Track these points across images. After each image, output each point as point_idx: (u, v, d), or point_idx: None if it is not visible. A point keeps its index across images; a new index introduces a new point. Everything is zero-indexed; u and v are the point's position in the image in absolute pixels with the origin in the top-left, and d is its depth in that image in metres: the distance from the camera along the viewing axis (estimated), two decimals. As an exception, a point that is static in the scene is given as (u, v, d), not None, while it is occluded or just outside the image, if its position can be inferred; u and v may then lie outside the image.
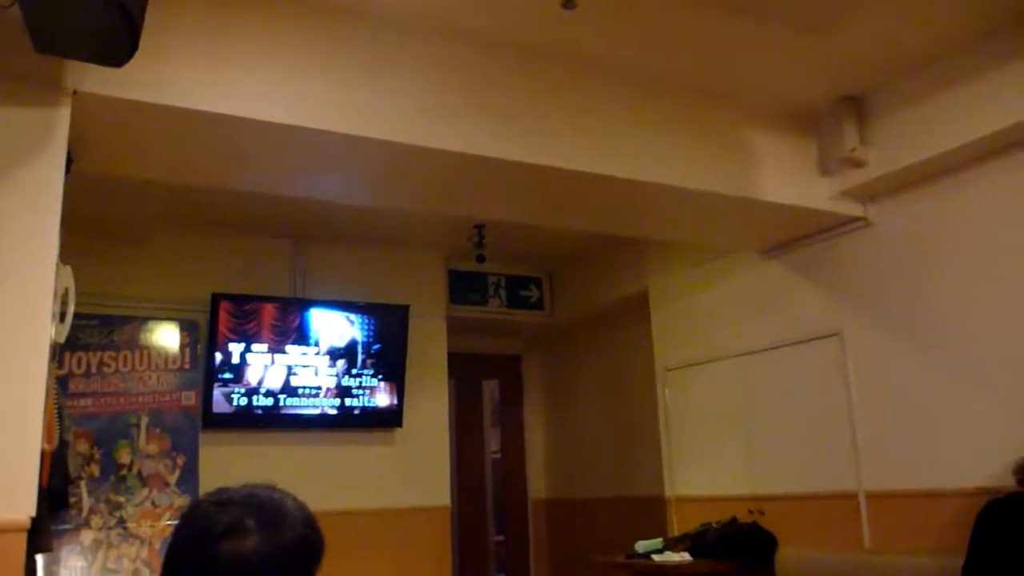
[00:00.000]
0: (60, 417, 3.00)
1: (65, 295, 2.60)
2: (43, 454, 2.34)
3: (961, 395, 3.56)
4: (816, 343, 4.27)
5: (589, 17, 3.01)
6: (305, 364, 5.14)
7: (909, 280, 3.83)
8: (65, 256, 2.53)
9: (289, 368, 5.09)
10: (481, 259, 5.45)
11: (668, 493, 5.18)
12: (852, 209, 4.00)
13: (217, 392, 4.86)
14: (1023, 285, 3.37)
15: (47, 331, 2.39)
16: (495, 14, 3.09)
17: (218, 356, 4.88)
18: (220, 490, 1.24)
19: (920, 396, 3.73)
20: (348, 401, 5.26)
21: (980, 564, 2.91)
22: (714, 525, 4.49)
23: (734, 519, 4.48)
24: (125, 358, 4.69)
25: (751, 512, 4.46)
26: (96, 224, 4.39)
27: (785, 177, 3.87)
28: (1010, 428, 3.15)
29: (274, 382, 5.04)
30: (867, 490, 3.94)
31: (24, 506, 2.21)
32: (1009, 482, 2.96)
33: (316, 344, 5.19)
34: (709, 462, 4.95)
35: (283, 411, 5.05)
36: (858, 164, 3.81)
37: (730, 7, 3.08)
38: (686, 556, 4.32)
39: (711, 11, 3.10)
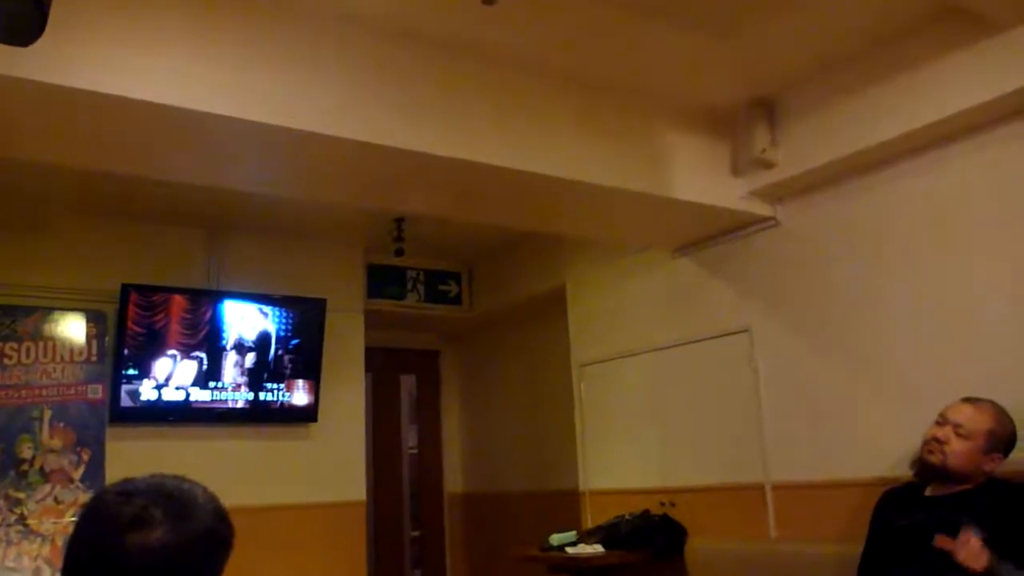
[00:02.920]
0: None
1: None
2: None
3: (860, 390, 3.71)
4: (727, 339, 4.38)
5: (509, 13, 3.02)
6: (217, 358, 5.04)
7: (814, 279, 3.97)
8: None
9: (200, 361, 4.98)
10: (400, 253, 5.42)
11: (583, 487, 5.25)
12: (762, 209, 4.12)
13: (124, 385, 4.72)
14: (922, 285, 3.52)
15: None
16: (416, 7, 3.08)
17: (126, 349, 4.74)
18: (125, 480, 1.22)
19: (823, 391, 3.87)
20: (262, 395, 5.17)
21: (877, 550, 3.04)
22: (627, 517, 4.57)
23: (646, 511, 4.57)
24: (28, 349, 4.52)
25: (663, 504, 4.56)
26: (-2, 211, 4.22)
27: (698, 176, 3.96)
28: (906, 422, 3.29)
29: (185, 376, 4.92)
30: (773, 481, 4.07)
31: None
32: (905, 473, 3.09)
33: (229, 338, 5.09)
34: (623, 456, 5.04)
35: (194, 405, 4.94)
36: (768, 165, 3.92)
37: (646, 9, 3.14)
38: (598, 548, 4.39)
39: (627, 12, 3.15)
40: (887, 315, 3.64)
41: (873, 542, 3.09)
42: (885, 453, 3.48)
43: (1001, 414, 2.88)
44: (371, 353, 5.86)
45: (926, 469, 2.93)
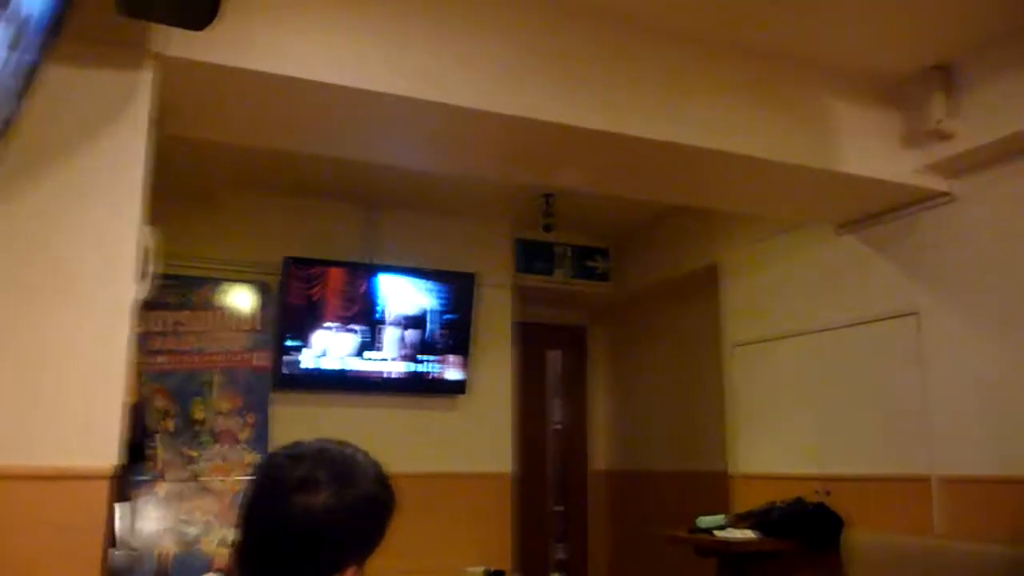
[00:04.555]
0: (139, 373, 3.09)
1: (147, 255, 2.67)
2: (125, 408, 2.42)
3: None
4: (892, 322, 4.15)
5: (667, -18, 2.94)
6: (375, 330, 5.21)
7: (993, 259, 3.69)
8: (148, 218, 2.59)
9: (358, 332, 5.16)
10: (548, 228, 5.43)
11: (731, 470, 5.13)
12: (936, 183, 3.86)
13: (286, 354, 4.96)
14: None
15: (131, 289, 2.46)
16: (571, -23, 3.05)
17: (287, 319, 4.97)
18: (295, 443, 1.26)
19: (1000, 380, 3.61)
20: (416, 367, 5.32)
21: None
22: (779, 504, 4.42)
23: (800, 498, 4.41)
24: (200, 318, 4.82)
25: (817, 492, 4.39)
26: (176, 187, 4.48)
27: (866, 149, 3.75)
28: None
29: (342, 346, 5.12)
30: (939, 475, 3.84)
31: (108, 456, 2.30)
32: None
33: (386, 310, 5.25)
34: (775, 440, 4.88)
35: (351, 374, 5.13)
36: (944, 137, 3.67)
37: (816, -28, 2.99)
38: (749, 533, 4.27)
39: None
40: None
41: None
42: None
43: None
44: (518, 328, 5.90)
45: None
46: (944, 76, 3.68)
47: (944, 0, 3.17)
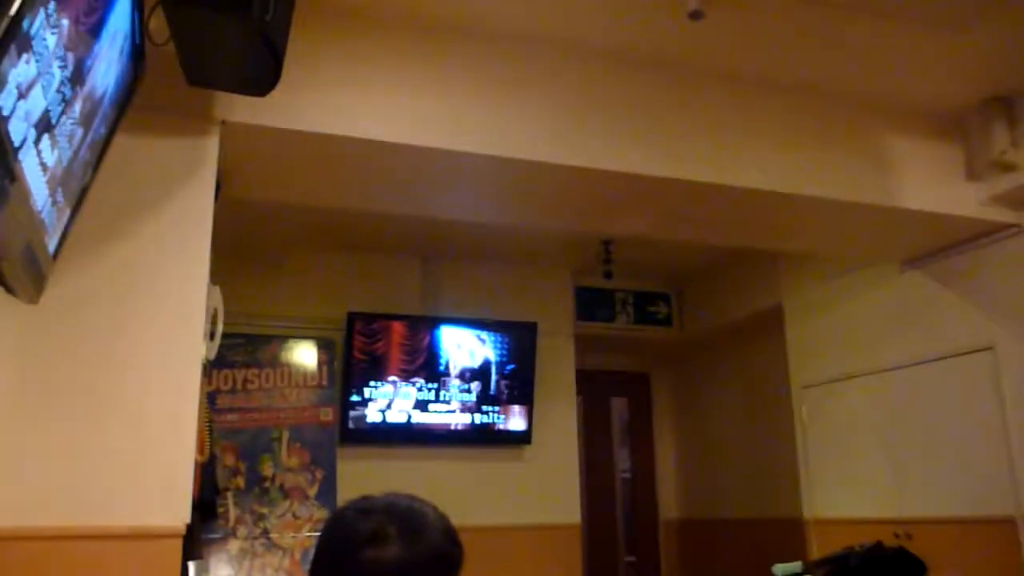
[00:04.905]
0: (210, 431, 3.15)
1: (215, 314, 2.74)
2: (195, 466, 2.47)
3: None
4: (966, 358, 4.04)
5: (718, 27, 2.96)
6: (438, 382, 5.24)
7: (1070, 290, 3.58)
8: (214, 278, 2.67)
9: (422, 386, 5.19)
10: (608, 275, 5.41)
11: (807, 515, 4.99)
12: (1003, 215, 3.78)
13: (352, 409, 5.01)
14: None
15: (200, 348, 2.52)
16: (620, 27, 3.08)
17: (352, 373, 5.03)
18: (363, 498, 1.27)
19: (1085, 414, 3.47)
20: (480, 418, 5.32)
21: None
22: (857, 549, 4.28)
23: (879, 543, 4.26)
24: (267, 375, 4.90)
25: (897, 536, 4.24)
26: (240, 247, 4.61)
27: (929, 184, 3.69)
28: None
29: (407, 399, 5.15)
30: (1026, 515, 3.69)
31: (180, 514, 2.34)
32: None
33: (449, 362, 5.28)
34: (851, 483, 4.74)
35: (416, 427, 5.16)
36: (1009, 168, 3.60)
37: (866, 8, 2.97)
38: (827, 581, 4.14)
39: (843, 13, 2.99)
40: None
41: None
42: None
43: None
44: (581, 376, 5.87)
45: None
46: (1005, 107, 3.61)
47: (1001, 31, 3.11)
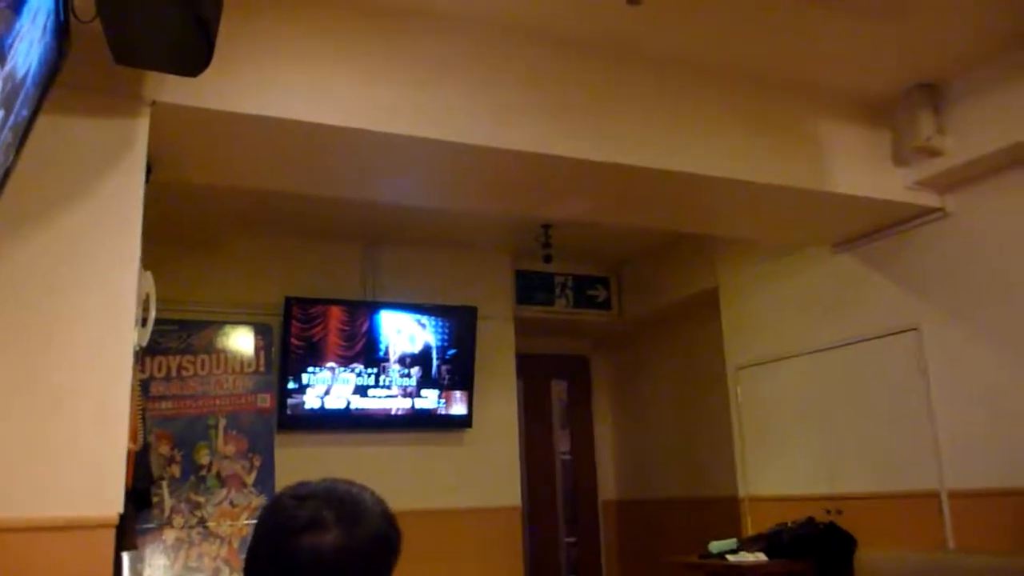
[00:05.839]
0: (143, 419, 3.09)
1: (146, 301, 2.69)
2: (128, 455, 2.42)
3: (1049, 390, 3.44)
4: (893, 338, 4.16)
5: (655, 12, 2.99)
6: (378, 367, 5.21)
7: (991, 272, 3.70)
8: (146, 263, 2.61)
9: (361, 372, 5.16)
10: (548, 259, 5.44)
11: (742, 493, 5.10)
12: (929, 200, 3.89)
13: (291, 394, 4.95)
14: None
15: (131, 335, 2.47)
16: (560, 11, 3.09)
17: (290, 359, 4.98)
18: (300, 484, 1.26)
19: (1003, 392, 3.61)
20: (420, 403, 5.31)
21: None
22: (790, 525, 4.40)
23: (811, 519, 4.39)
24: (203, 362, 4.81)
25: (828, 512, 4.37)
26: (173, 231, 4.51)
27: (858, 169, 3.78)
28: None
29: (345, 385, 5.11)
30: (949, 488, 3.83)
31: (113, 504, 2.29)
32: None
33: (389, 348, 5.25)
34: (784, 461, 4.86)
35: (355, 413, 5.13)
36: (934, 153, 3.71)
37: (798, -4, 3.03)
38: (761, 556, 4.24)
39: (775, 2, 3.05)
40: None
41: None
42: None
43: None
44: (522, 359, 5.91)
45: None
46: (931, 94, 3.72)
47: (927, 20, 3.20)
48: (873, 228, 4.23)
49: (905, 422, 4.05)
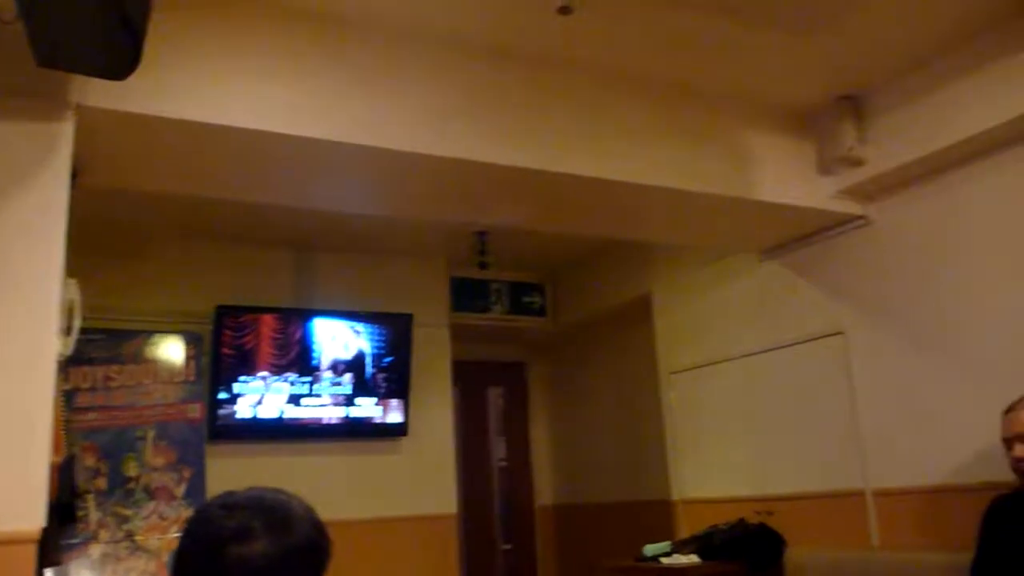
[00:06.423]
0: (66, 431, 3.01)
1: (71, 309, 2.62)
2: (51, 467, 2.35)
3: (963, 392, 3.56)
4: (819, 342, 4.27)
5: (586, 22, 3.03)
6: (310, 375, 5.15)
7: (911, 278, 3.83)
8: (70, 270, 2.54)
9: (294, 380, 5.10)
10: (483, 266, 5.45)
11: (675, 496, 5.18)
12: (851, 208, 4.01)
13: (221, 404, 4.87)
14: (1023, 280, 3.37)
15: (54, 345, 2.40)
16: (492, 20, 3.11)
17: (221, 368, 4.89)
18: (227, 493, 1.25)
19: (923, 394, 3.73)
20: (354, 412, 5.27)
21: (987, 560, 2.91)
22: (721, 527, 4.48)
23: (742, 520, 4.48)
24: (131, 372, 4.70)
25: (759, 513, 4.46)
26: (100, 238, 4.40)
27: (784, 177, 3.88)
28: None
29: (278, 394, 5.05)
30: (874, 488, 3.94)
31: (35, 518, 2.22)
32: (1013, 477, 2.95)
33: (323, 356, 5.20)
34: (715, 464, 4.95)
35: (288, 422, 5.06)
36: (856, 163, 3.82)
37: (725, 9, 3.10)
38: (694, 558, 4.31)
39: (706, 14, 3.11)
40: (986, 313, 3.49)
41: (983, 551, 2.96)
42: (991, 457, 3.32)
43: None
44: (457, 366, 5.90)
45: None
46: (853, 105, 3.83)
47: (849, 34, 3.30)
48: (799, 235, 4.34)
49: (831, 424, 4.16)
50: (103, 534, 4.45)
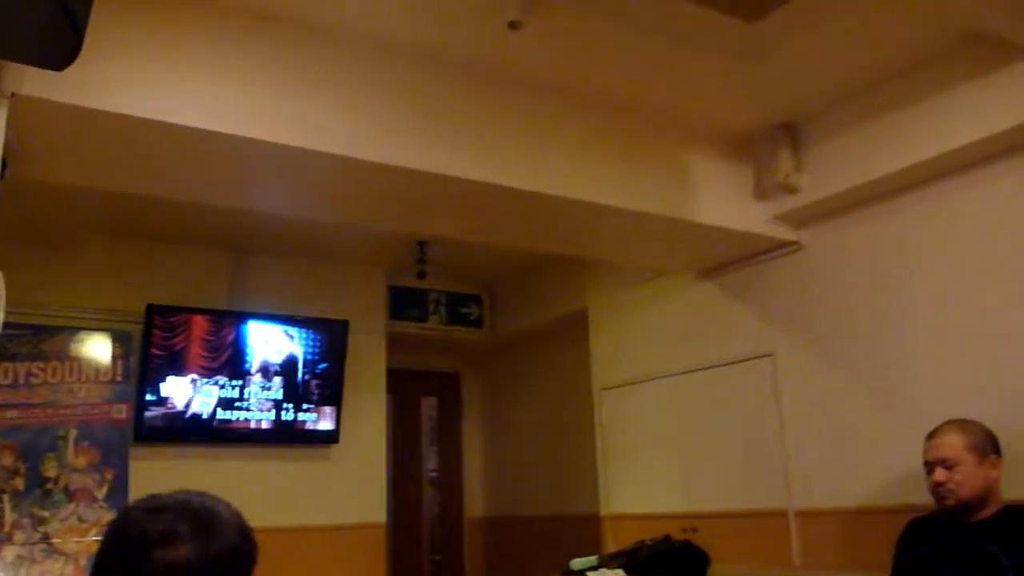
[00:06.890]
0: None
1: (-6, 302, 2.54)
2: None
3: (884, 416, 3.67)
4: (751, 363, 4.35)
5: (534, 38, 3.06)
6: (242, 380, 5.07)
7: (837, 303, 3.94)
8: (-4, 262, 2.47)
9: (224, 383, 5.01)
10: (422, 275, 5.45)
11: (603, 511, 5.22)
12: (785, 233, 4.11)
13: (149, 406, 4.76)
14: (945, 311, 3.49)
15: (-25, 338, 2.33)
16: (442, 32, 3.12)
17: (150, 369, 4.78)
18: (153, 496, 1.23)
19: (846, 416, 3.84)
20: (285, 417, 5.19)
21: (902, 579, 3.00)
22: (648, 542, 4.52)
23: (668, 536, 4.53)
24: (54, 369, 4.57)
25: (684, 530, 4.51)
26: (29, 231, 4.29)
27: (722, 200, 3.96)
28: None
29: (208, 397, 4.95)
30: (796, 508, 4.03)
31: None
32: (932, 500, 3.05)
33: (255, 360, 5.12)
34: (644, 480, 5.00)
35: (217, 426, 4.97)
36: (792, 190, 3.92)
37: (670, 33, 3.16)
38: (620, 573, 4.34)
39: (651, 37, 3.17)
40: (910, 340, 3.61)
41: (898, 571, 3.04)
42: (910, 479, 3.42)
43: (963, 424, 2.90)
44: (392, 375, 5.87)
45: (949, 512, 2.91)
46: (790, 133, 3.94)
47: (787, 62, 3.39)
48: (735, 258, 4.43)
49: (759, 443, 4.25)
50: (18, 536, 4.30)
